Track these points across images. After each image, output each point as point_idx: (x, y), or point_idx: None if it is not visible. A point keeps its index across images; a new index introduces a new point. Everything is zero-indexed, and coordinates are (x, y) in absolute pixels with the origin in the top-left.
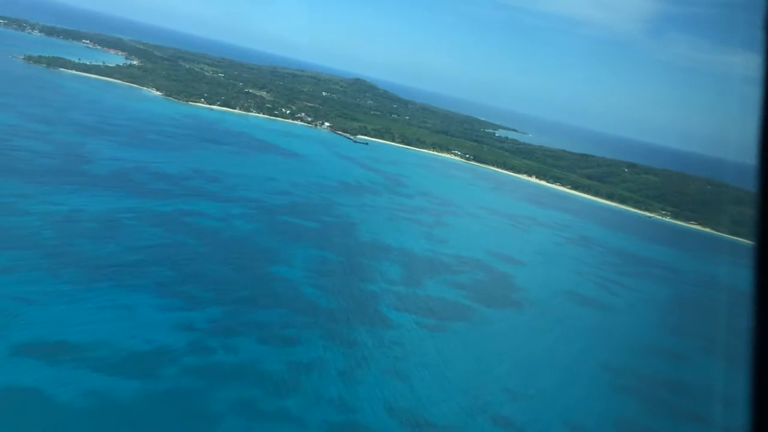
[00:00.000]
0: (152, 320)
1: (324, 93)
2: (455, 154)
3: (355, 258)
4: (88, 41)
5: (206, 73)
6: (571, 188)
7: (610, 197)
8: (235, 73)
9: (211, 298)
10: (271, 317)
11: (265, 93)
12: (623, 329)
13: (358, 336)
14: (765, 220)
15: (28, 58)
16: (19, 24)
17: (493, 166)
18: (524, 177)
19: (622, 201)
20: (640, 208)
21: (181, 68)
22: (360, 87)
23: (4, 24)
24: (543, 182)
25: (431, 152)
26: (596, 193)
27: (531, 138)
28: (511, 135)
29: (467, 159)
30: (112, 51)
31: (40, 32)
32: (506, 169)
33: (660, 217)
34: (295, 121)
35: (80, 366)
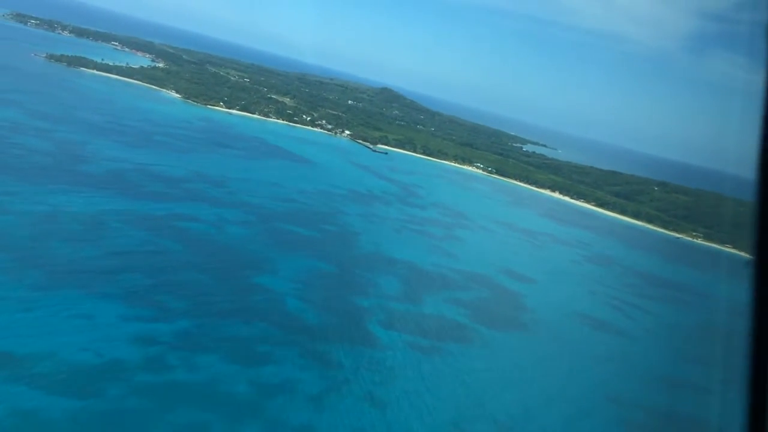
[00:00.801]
0: (112, 332)
1: (350, 101)
2: (477, 167)
3: (351, 270)
4: (116, 43)
5: (231, 78)
6: (595, 205)
7: (636, 216)
8: (262, 78)
9: (185, 309)
10: (245, 332)
11: (288, 99)
12: (638, 357)
13: (339, 356)
14: (763, 232)
15: (50, 57)
16: (51, 25)
17: (515, 180)
18: (547, 192)
19: (649, 220)
20: (668, 229)
21: (206, 72)
22: (387, 96)
23: (36, 24)
24: (566, 198)
25: (453, 164)
26: (622, 211)
27: (560, 154)
28: (540, 150)
29: (489, 172)
30: (139, 53)
31: (70, 33)
32: (529, 184)
33: (690, 239)
34: (315, 129)
35: (18, 381)
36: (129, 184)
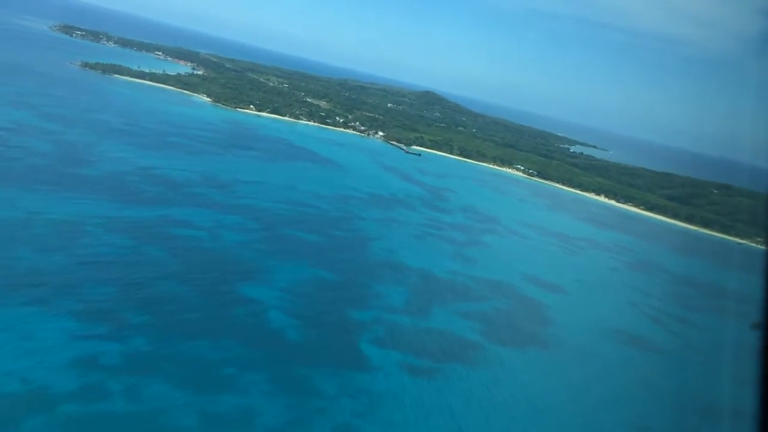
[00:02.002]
0: (51, 354)
1: (389, 104)
2: (517, 169)
3: (355, 279)
4: (160, 53)
5: (270, 83)
6: (644, 209)
7: (690, 220)
8: (302, 84)
9: (147, 324)
10: (212, 352)
11: (324, 102)
12: (677, 380)
13: (318, 380)
14: None
15: (85, 65)
16: (96, 36)
17: (557, 183)
18: (591, 195)
19: (706, 224)
20: (728, 234)
21: (245, 78)
22: (429, 99)
23: (81, 35)
24: (612, 202)
25: (491, 166)
26: (675, 215)
27: (611, 155)
28: (589, 151)
29: (529, 174)
30: (181, 62)
31: (114, 43)
32: (572, 187)
33: (754, 245)
34: (347, 130)
35: None
36: (126, 187)
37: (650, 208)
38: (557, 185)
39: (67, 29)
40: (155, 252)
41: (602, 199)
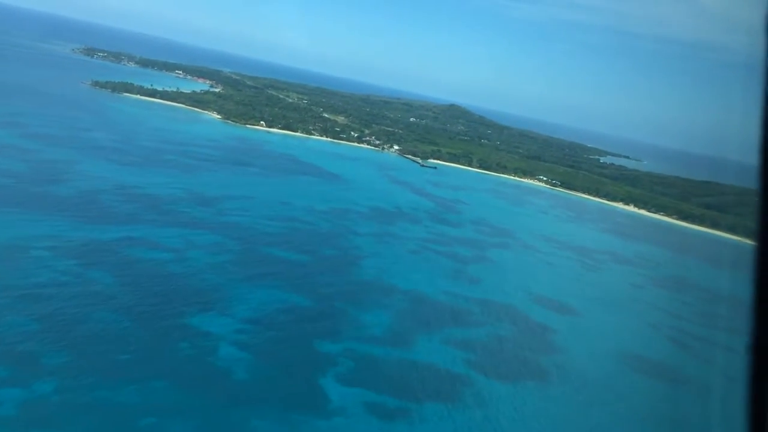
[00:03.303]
0: None
1: (411, 119)
2: (539, 180)
3: (332, 303)
4: (180, 72)
5: (288, 99)
6: (678, 218)
7: (732, 230)
8: (323, 100)
9: (65, 367)
10: (135, 397)
11: (342, 117)
12: (707, 416)
13: (259, 428)
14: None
15: (95, 84)
16: (117, 57)
17: (582, 193)
18: (619, 205)
19: (750, 235)
20: None
21: (263, 95)
22: (453, 113)
23: (103, 57)
24: (643, 211)
25: (512, 177)
26: (713, 225)
27: (644, 165)
28: (620, 161)
29: (552, 185)
30: (201, 80)
31: (135, 64)
32: (598, 197)
33: None
34: (362, 145)
35: None
36: (94, 207)
37: (684, 218)
38: (582, 195)
39: (90, 51)
40: (104, 279)
41: (631, 208)
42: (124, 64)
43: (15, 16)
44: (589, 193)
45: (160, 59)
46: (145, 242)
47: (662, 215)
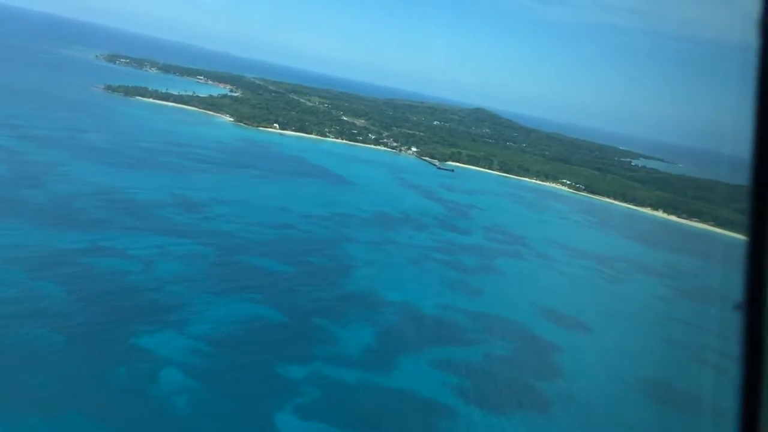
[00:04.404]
0: None
1: (435, 122)
2: (562, 183)
3: (308, 319)
4: (202, 77)
5: (309, 104)
6: (713, 225)
7: None
8: (345, 104)
9: None
10: None
11: (362, 121)
12: None
13: None
14: (759, 218)
15: (107, 88)
16: (140, 63)
17: (608, 197)
18: (647, 210)
19: None
20: None
21: (282, 99)
22: (479, 116)
23: (125, 63)
24: (673, 217)
25: (533, 181)
26: None
27: (679, 168)
28: (653, 164)
29: (576, 189)
30: (221, 85)
31: (157, 70)
32: (625, 202)
33: None
34: (378, 147)
35: None
36: (68, 211)
37: (720, 224)
38: (608, 200)
39: (112, 57)
40: (54, 293)
41: (660, 214)
42: (146, 70)
43: (46, 23)
44: (615, 198)
45: (183, 65)
46: (111, 251)
47: (695, 221)
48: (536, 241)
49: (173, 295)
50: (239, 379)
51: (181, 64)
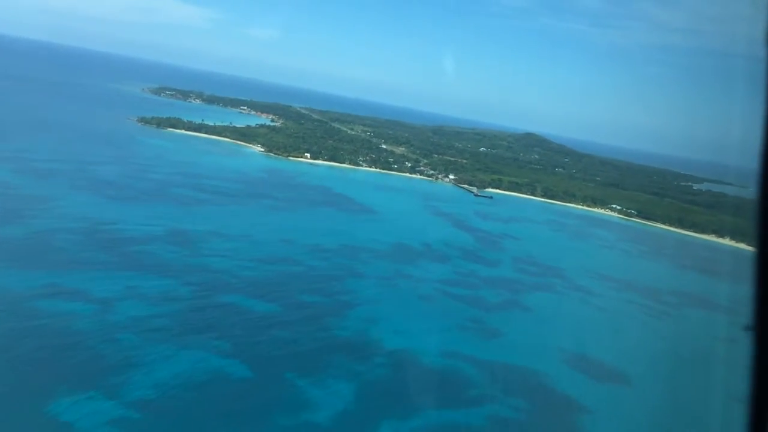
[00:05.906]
0: None
1: (482, 149)
2: (611, 209)
3: (280, 371)
4: (245, 108)
5: (350, 132)
6: None
7: None
8: (389, 132)
9: None
10: None
11: (402, 148)
12: None
13: None
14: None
15: (141, 120)
16: (185, 95)
17: (663, 223)
18: (711, 237)
19: None
20: None
21: (322, 128)
22: (529, 142)
23: (170, 95)
24: (741, 245)
25: (579, 207)
26: None
27: (750, 192)
28: (720, 188)
29: (627, 215)
30: (264, 115)
31: (202, 101)
32: (683, 228)
33: None
34: (414, 175)
35: None
36: (36, 249)
37: None
38: (663, 226)
39: (159, 90)
40: None
41: (726, 241)
42: (190, 101)
43: (119, 64)
44: (672, 223)
45: (229, 96)
46: (70, 291)
47: None
48: (573, 273)
49: (124, 348)
50: None
51: (227, 95)
